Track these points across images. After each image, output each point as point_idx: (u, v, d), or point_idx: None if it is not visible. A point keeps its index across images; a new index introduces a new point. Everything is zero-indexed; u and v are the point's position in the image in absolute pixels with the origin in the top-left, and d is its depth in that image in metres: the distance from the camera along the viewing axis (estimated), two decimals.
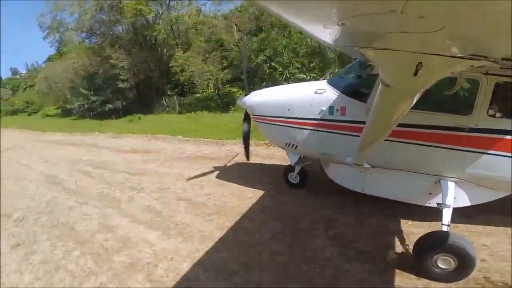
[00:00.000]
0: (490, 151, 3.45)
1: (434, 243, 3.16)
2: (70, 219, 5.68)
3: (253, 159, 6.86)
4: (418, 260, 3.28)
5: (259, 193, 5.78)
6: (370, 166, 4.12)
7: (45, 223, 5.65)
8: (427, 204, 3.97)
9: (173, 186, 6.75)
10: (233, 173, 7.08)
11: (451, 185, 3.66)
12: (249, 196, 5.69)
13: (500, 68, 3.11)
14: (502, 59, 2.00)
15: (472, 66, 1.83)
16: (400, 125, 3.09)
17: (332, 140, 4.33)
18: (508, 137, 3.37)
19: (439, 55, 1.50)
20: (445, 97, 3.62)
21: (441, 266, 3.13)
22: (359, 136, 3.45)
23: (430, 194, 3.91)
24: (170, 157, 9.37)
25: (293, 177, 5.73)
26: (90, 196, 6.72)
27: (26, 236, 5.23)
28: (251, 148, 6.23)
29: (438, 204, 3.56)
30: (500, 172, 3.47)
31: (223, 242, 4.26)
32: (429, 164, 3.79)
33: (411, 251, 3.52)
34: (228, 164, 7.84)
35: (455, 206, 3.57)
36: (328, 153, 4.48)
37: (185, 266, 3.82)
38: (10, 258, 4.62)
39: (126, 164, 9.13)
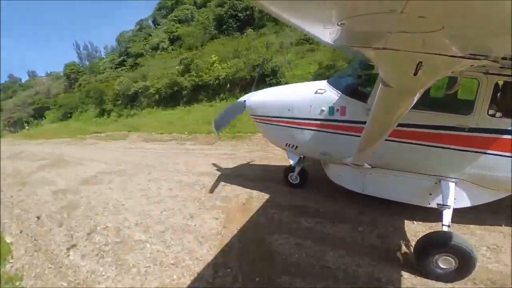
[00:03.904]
0: (491, 151, 3.45)
1: (434, 243, 3.16)
2: None
3: None
4: (419, 260, 3.28)
5: None
6: (370, 167, 4.12)
7: None
8: (427, 205, 3.96)
9: None
10: None
11: (451, 185, 3.66)
12: None
13: (500, 67, 3.12)
14: (502, 58, 2.00)
15: (472, 65, 1.83)
16: (400, 125, 3.09)
17: (332, 140, 4.33)
18: (508, 136, 3.38)
19: (439, 54, 1.50)
20: (445, 97, 3.62)
21: (442, 266, 3.14)
22: (359, 136, 3.45)
23: (431, 194, 3.91)
24: None
25: (293, 177, 5.74)
26: None
27: None
28: None
29: (438, 204, 3.56)
30: (500, 172, 3.47)
31: None
32: (429, 164, 3.79)
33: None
34: None
35: (455, 207, 3.56)
36: (328, 153, 4.48)
37: None
38: None
39: None
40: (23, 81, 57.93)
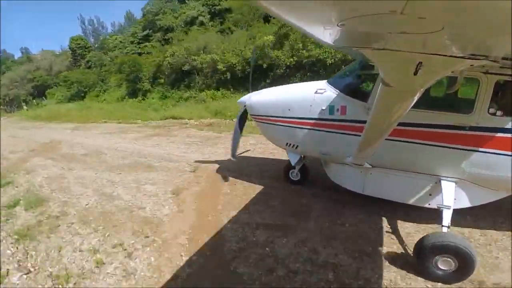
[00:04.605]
0: (491, 150, 3.44)
1: (434, 244, 3.14)
2: None
3: None
4: (419, 261, 3.27)
5: None
6: (370, 166, 4.12)
7: None
8: (427, 205, 3.96)
9: None
10: None
11: (451, 185, 3.65)
12: None
13: (500, 67, 3.11)
14: (502, 58, 2.00)
15: (472, 65, 1.83)
16: (400, 124, 3.08)
17: (332, 140, 4.32)
18: (509, 135, 3.37)
19: (439, 55, 1.50)
20: (446, 96, 3.61)
21: (441, 267, 3.13)
22: (360, 135, 3.45)
23: (430, 195, 3.90)
24: None
25: (294, 174, 5.73)
26: None
27: None
28: None
29: (438, 205, 3.54)
30: (501, 172, 3.46)
31: None
32: (430, 163, 3.78)
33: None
34: None
35: (455, 207, 3.55)
36: (328, 152, 4.48)
37: None
38: None
39: None
40: (16, 57, 53.58)
